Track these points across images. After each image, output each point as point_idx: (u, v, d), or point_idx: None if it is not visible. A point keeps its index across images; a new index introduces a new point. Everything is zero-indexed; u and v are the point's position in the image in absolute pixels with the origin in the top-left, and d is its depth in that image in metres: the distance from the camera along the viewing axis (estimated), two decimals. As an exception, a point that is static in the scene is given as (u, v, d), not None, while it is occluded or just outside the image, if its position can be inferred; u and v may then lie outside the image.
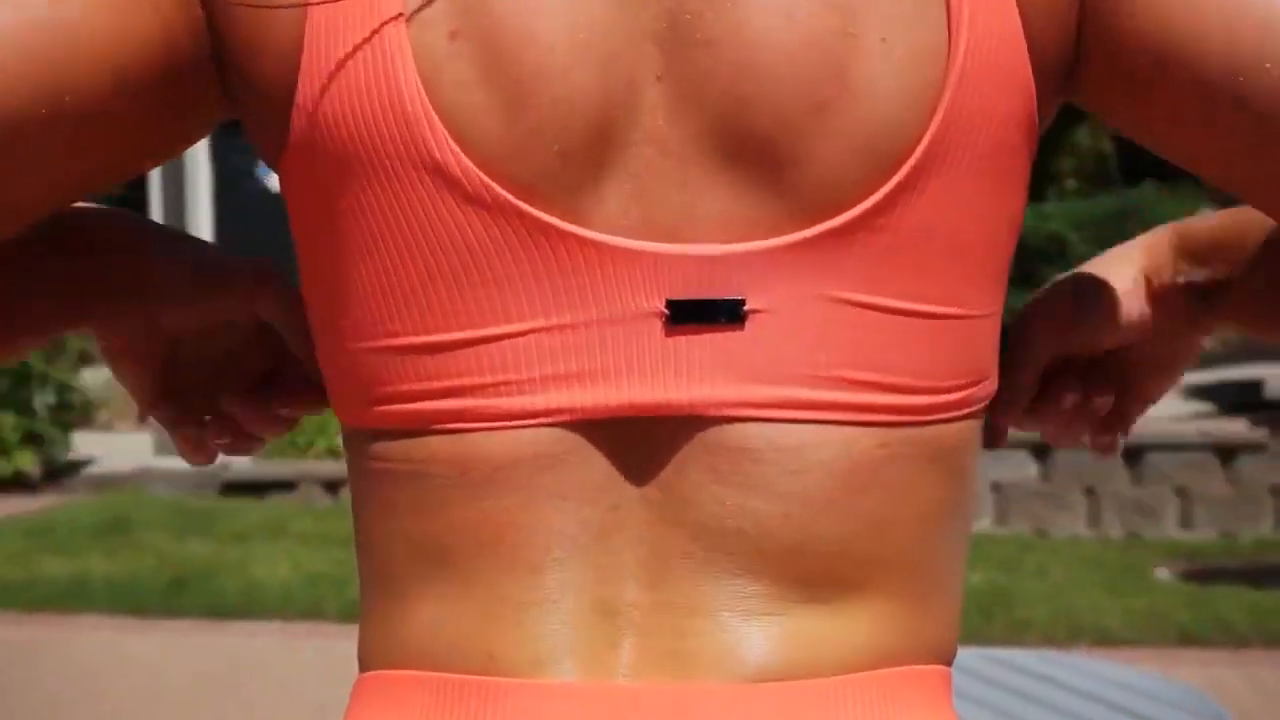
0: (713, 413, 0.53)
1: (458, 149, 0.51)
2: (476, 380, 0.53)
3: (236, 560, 5.19)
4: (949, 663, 0.58)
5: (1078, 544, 5.51)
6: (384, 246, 0.53)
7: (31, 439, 7.05)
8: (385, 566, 0.57)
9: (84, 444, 7.64)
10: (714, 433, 0.53)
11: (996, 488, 5.74)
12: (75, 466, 7.33)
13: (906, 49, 0.51)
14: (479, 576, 0.54)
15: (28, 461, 7.01)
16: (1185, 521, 5.73)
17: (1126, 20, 0.52)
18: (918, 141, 0.51)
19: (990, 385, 0.57)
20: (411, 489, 0.55)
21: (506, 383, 0.53)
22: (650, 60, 0.51)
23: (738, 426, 0.53)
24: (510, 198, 0.51)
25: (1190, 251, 0.67)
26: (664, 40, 0.51)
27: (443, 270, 0.52)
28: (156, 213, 7.59)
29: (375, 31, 0.50)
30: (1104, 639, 4.15)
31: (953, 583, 0.58)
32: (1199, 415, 6.34)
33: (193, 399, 0.65)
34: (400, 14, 0.50)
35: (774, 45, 0.50)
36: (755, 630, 0.53)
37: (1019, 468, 5.82)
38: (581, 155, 0.51)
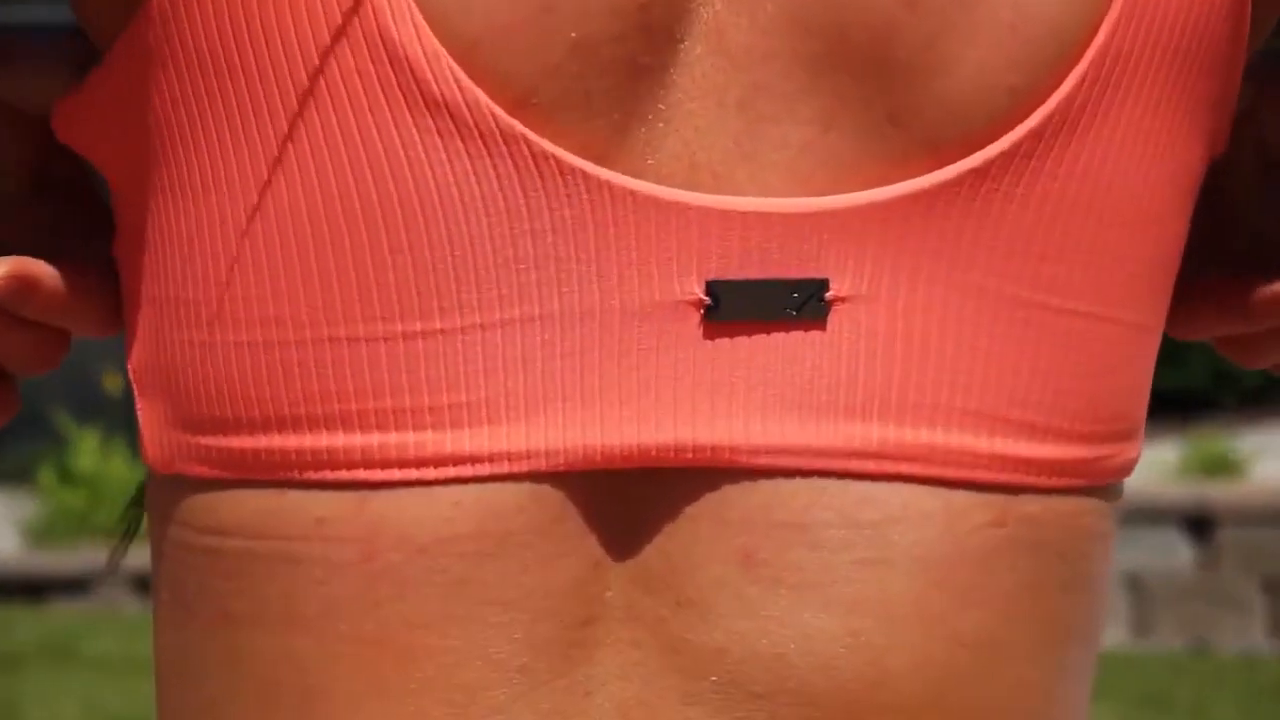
0: (760, 462, 0.54)
1: (402, 39, 0.52)
2: (406, 401, 0.54)
3: (1, 700, 5.14)
4: None
5: (1255, 665, 5.55)
6: (291, 185, 0.54)
7: None
8: (216, 711, 0.58)
9: None
10: (757, 496, 0.54)
11: (1133, 582, 5.82)
12: None
13: None
14: None
15: None
16: None
17: None
18: (1090, 37, 0.54)
19: (1137, 450, 0.60)
20: (274, 588, 0.55)
21: (447, 407, 0.54)
22: None
23: (797, 485, 0.54)
24: (489, 103, 0.52)
25: None
26: None
27: (379, 226, 0.53)
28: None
29: None
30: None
31: None
32: None
33: None
34: None
35: None
36: None
37: (1166, 551, 5.92)
38: (612, 53, 0.53)
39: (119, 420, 7.10)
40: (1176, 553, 5.90)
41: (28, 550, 6.88)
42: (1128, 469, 0.59)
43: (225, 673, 0.57)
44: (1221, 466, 6.80)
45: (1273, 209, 0.66)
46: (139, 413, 0.59)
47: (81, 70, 0.60)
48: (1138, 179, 0.56)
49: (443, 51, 0.52)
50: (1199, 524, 5.88)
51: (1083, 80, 0.54)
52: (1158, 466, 6.92)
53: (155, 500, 0.60)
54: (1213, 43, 0.56)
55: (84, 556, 6.61)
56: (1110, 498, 0.59)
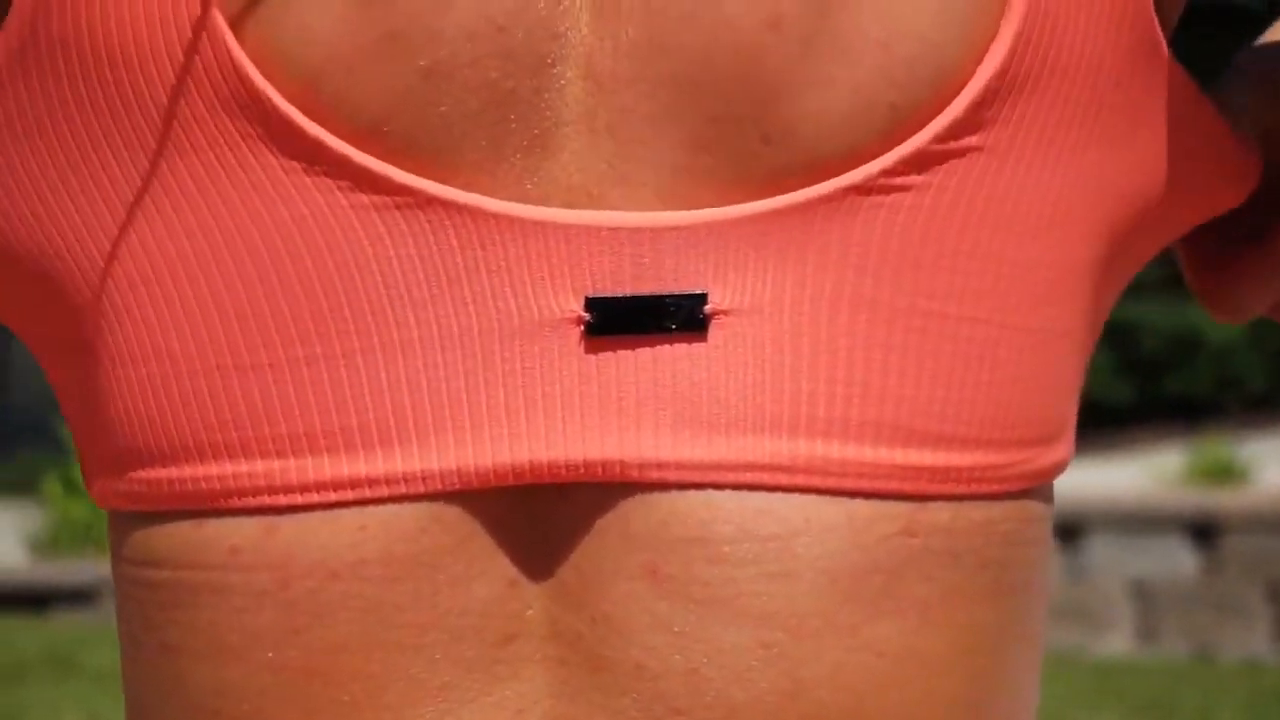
0: (653, 478, 0.54)
1: (251, 67, 0.52)
2: (295, 428, 0.54)
3: (3, 711, 5.16)
4: None
5: (1259, 671, 5.54)
6: (144, 226, 0.55)
7: None
8: None
9: None
10: (658, 511, 0.54)
11: (1139, 590, 5.80)
12: None
13: None
14: None
15: None
16: None
17: None
18: (976, 62, 0.54)
19: (1064, 453, 0.59)
20: (202, 618, 0.56)
21: (343, 432, 0.54)
22: None
23: (693, 499, 0.54)
24: (341, 146, 0.53)
25: None
26: None
27: (238, 261, 0.54)
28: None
29: None
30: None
31: None
32: None
33: None
34: None
35: None
36: None
37: (1170, 558, 5.91)
38: (459, 75, 0.53)
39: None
40: (1181, 560, 5.88)
41: (33, 561, 6.89)
42: (1051, 472, 0.59)
43: (170, 703, 0.57)
44: (1226, 473, 6.83)
45: None
46: (78, 442, 0.60)
47: None
48: (1036, 193, 0.56)
49: (282, 103, 0.52)
50: (1203, 531, 5.86)
51: (976, 103, 0.54)
52: (1162, 474, 6.94)
53: (109, 537, 0.60)
54: (1117, 56, 0.56)
55: (88, 568, 6.62)
56: (1036, 501, 0.58)
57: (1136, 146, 0.58)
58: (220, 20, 0.52)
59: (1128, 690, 5.02)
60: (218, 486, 0.55)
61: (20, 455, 7.58)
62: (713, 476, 0.54)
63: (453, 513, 0.54)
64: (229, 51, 0.52)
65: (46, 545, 7.01)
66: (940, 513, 0.55)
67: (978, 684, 0.57)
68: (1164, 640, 5.75)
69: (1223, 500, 6.12)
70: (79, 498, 7.35)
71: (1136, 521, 5.72)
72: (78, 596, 6.56)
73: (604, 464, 0.54)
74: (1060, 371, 0.59)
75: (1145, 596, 5.79)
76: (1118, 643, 5.68)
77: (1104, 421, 7.51)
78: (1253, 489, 6.36)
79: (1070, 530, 5.66)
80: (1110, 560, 5.67)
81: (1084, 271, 0.58)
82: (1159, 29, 0.57)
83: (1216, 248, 0.68)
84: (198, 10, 0.52)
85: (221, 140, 0.53)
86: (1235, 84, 0.66)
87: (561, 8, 0.53)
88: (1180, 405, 8.51)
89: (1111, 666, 5.42)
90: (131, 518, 0.57)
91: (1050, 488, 0.60)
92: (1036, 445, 0.58)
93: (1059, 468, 0.59)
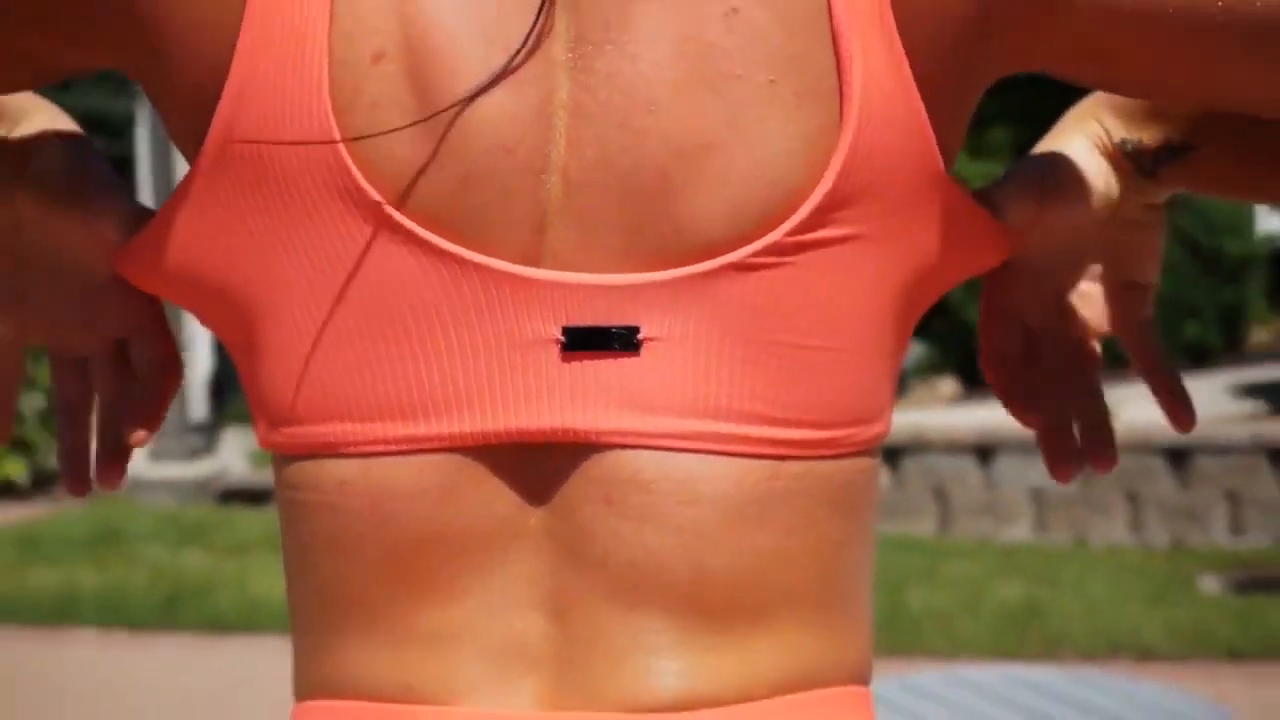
0: (605, 440, 0.55)
1: (355, 169, 0.53)
2: (378, 402, 0.55)
3: (234, 574, 5.19)
4: (865, 682, 0.61)
5: (1119, 553, 5.47)
6: (288, 267, 0.55)
7: (20, 446, 7.09)
8: (306, 601, 0.60)
9: (74, 450, 7.63)
10: (608, 462, 0.56)
11: (1034, 494, 5.66)
12: (65, 474, 7.32)
13: (796, 92, 0.54)
14: (392, 610, 0.57)
15: (17, 470, 7.08)
16: (1235, 528, 5.66)
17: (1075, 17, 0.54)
18: (814, 185, 0.54)
19: (882, 428, 0.60)
20: (324, 525, 0.57)
21: (415, 407, 0.55)
22: (558, 88, 0.54)
23: (630, 455, 0.56)
24: (410, 224, 0.54)
25: (1130, 114, 0.67)
26: (570, 69, 0.54)
27: (344, 291, 0.55)
28: (144, 174, 7.61)
29: (299, 49, 0.53)
30: (1146, 655, 4.13)
31: (858, 608, 0.61)
32: (1249, 416, 6.26)
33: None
34: (327, 34, 0.53)
35: (666, 80, 0.53)
36: (661, 662, 0.56)
37: None
38: (484, 180, 0.54)
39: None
40: (1065, 473, 5.61)
41: (252, 469, 6.82)
42: (872, 441, 0.59)
43: (306, 581, 0.59)
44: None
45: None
46: (252, 415, 0.60)
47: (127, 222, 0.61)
48: (855, 267, 0.56)
49: (371, 190, 0.54)
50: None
51: (814, 210, 0.54)
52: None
53: (274, 466, 0.61)
54: (913, 181, 0.56)
55: None
56: (864, 458, 0.59)
57: (922, 235, 0.57)
58: (342, 148, 0.53)
59: (1026, 567, 4.95)
60: (330, 439, 0.56)
61: (243, 396, 7.33)
62: (644, 441, 0.55)
63: (477, 460, 0.56)
64: (346, 165, 0.53)
65: (262, 458, 6.65)
66: (795, 467, 0.57)
67: (823, 571, 0.59)
68: (1052, 531, 5.62)
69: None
70: (284, 424, 7.35)
71: (1034, 444, 5.24)
72: None
73: (573, 431, 0.55)
74: (874, 375, 0.59)
75: (1039, 499, 5.62)
76: (1019, 532, 5.56)
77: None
78: (1116, 421, 6.04)
79: (986, 450, 5.52)
80: (1014, 472, 5.49)
81: (888, 312, 0.58)
82: (940, 160, 0.56)
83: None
84: (328, 145, 0.53)
85: (337, 216, 0.54)
86: (1006, 185, 0.65)
87: (548, 136, 0.54)
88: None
89: (1014, 549, 5.31)
90: (281, 458, 0.59)
91: (877, 448, 0.60)
92: (858, 424, 0.58)
93: (879, 438, 0.59)
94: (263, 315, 0.57)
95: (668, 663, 0.56)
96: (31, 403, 7.20)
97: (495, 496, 0.56)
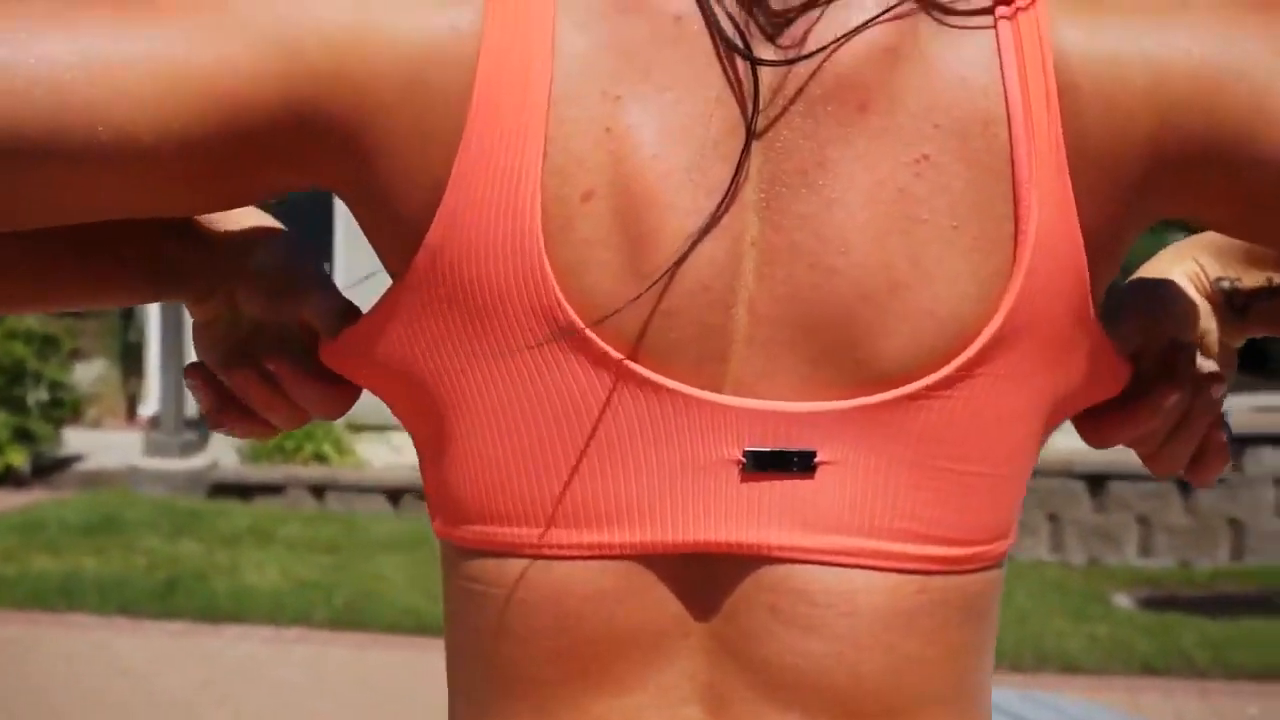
0: (777, 555, 0.56)
1: (564, 301, 0.53)
2: (565, 510, 0.56)
3: (227, 564, 5.17)
4: None
5: (1041, 568, 5.52)
6: (487, 380, 0.55)
7: (23, 435, 7.00)
8: (474, 678, 0.60)
9: (73, 441, 7.56)
10: (777, 574, 0.56)
11: None
12: (64, 463, 7.26)
13: (975, 236, 0.54)
14: (565, 697, 0.57)
15: (19, 458, 6.96)
16: (1145, 550, 5.75)
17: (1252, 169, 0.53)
18: (985, 323, 0.54)
19: (1012, 540, 0.60)
20: (501, 615, 0.58)
21: (598, 517, 0.56)
22: (748, 227, 0.54)
23: (799, 569, 0.56)
24: (613, 351, 0.54)
25: (1227, 255, 0.67)
26: (761, 209, 0.54)
27: (538, 407, 0.55)
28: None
29: (513, 183, 0.52)
30: (1070, 667, 4.17)
31: (983, 703, 0.62)
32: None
33: (237, 360, 0.65)
34: (540, 168, 0.52)
35: (858, 224, 0.53)
36: None
37: None
38: (683, 314, 0.54)
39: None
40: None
41: (242, 464, 6.80)
42: (1002, 555, 0.60)
43: (477, 661, 0.60)
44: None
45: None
46: (428, 492, 0.60)
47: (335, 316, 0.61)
48: (1013, 398, 0.56)
49: (576, 319, 0.53)
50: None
51: (984, 347, 0.54)
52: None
53: (443, 551, 0.61)
54: (1069, 324, 0.56)
55: (278, 469, 6.64)
56: (994, 569, 0.59)
57: (1069, 369, 0.58)
58: (552, 278, 0.53)
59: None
60: (515, 541, 0.57)
61: None
62: (812, 556, 0.56)
63: (653, 566, 0.56)
64: (555, 294, 0.53)
65: (251, 455, 6.84)
66: (940, 580, 0.57)
67: (957, 673, 0.59)
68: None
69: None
70: (273, 424, 7.42)
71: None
72: (270, 489, 6.54)
73: (749, 545, 0.56)
74: (1013, 496, 0.59)
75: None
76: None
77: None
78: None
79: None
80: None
81: (1031, 438, 0.58)
82: (1091, 302, 0.56)
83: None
84: (537, 272, 0.53)
85: (539, 338, 0.54)
86: (1119, 314, 0.64)
87: (737, 271, 0.54)
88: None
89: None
90: (458, 549, 0.59)
91: (1004, 561, 0.60)
92: (997, 540, 0.59)
93: (1005, 551, 0.60)
94: (454, 418, 0.56)
95: None
96: (36, 394, 7.13)
97: (667, 599, 0.57)
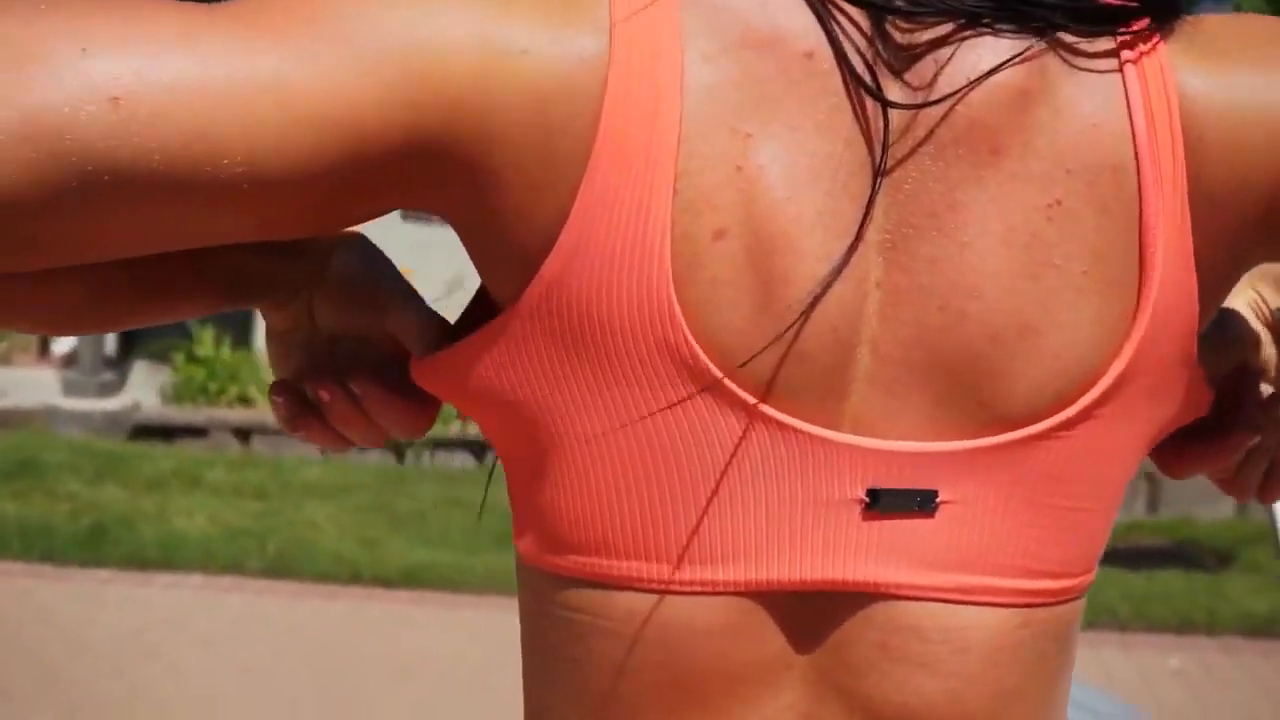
0: (892, 592, 0.56)
1: (693, 339, 0.52)
2: (685, 548, 0.55)
3: (153, 510, 5.09)
4: None
5: None
6: (603, 415, 0.54)
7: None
8: (566, 708, 0.60)
9: (-17, 378, 7.46)
10: (889, 611, 0.57)
11: None
12: (-25, 401, 7.15)
13: (1103, 280, 0.54)
14: None
15: (-68, 398, 6.77)
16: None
17: None
18: (1108, 366, 0.55)
19: (1095, 569, 0.61)
20: (605, 647, 0.57)
21: (716, 553, 0.55)
22: (872, 268, 0.54)
23: (912, 606, 0.57)
24: (741, 392, 0.53)
25: None
26: (887, 250, 0.53)
27: (664, 445, 0.54)
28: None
29: (642, 219, 0.51)
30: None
31: None
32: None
33: (320, 373, 0.64)
34: (669, 206, 0.51)
35: (990, 268, 0.53)
36: None
37: None
38: (811, 356, 0.54)
39: (230, 321, 6.84)
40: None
41: (164, 406, 6.84)
42: (1090, 583, 0.61)
43: (572, 697, 0.59)
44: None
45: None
46: (516, 517, 0.60)
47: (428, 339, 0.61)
48: (1127, 436, 0.58)
49: (703, 357, 0.53)
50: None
51: (1105, 390, 0.55)
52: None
53: (525, 575, 0.61)
54: (1179, 367, 0.57)
55: (201, 411, 6.64)
56: (1082, 598, 0.61)
57: (1171, 404, 0.59)
58: (680, 316, 0.52)
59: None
60: (623, 574, 0.56)
61: (157, 335, 7.19)
62: (927, 594, 0.56)
63: (764, 603, 0.56)
64: (684, 333, 0.52)
65: (174, 396, 6.85)
66: (1040, 613, 0.58)
67: (1047, 698, 0.61)
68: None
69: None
70: (196, 365, 7.02)
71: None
72: (193, 431, 6.52)
73: (864, 582, 0.56)
74: (1109, 526, 0.60)
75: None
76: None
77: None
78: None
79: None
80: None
81: (1133, 471, 0.60)
82: (1195, 342, 0.57)
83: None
84: (665, 310, 0.52)
85: (662, 376, 0.53)
86: (1203, 344, 0.62)
87: (860, 312, 0.54)
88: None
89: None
90: (552, 576, 0.58)
91: (1087, 589, 0.61)
92: (1088, 571, 0.60)
93: (1091, 581, 0.61)
94: (563, 448, 0.56)
95: None
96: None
97: (775, 634, 0.57)
